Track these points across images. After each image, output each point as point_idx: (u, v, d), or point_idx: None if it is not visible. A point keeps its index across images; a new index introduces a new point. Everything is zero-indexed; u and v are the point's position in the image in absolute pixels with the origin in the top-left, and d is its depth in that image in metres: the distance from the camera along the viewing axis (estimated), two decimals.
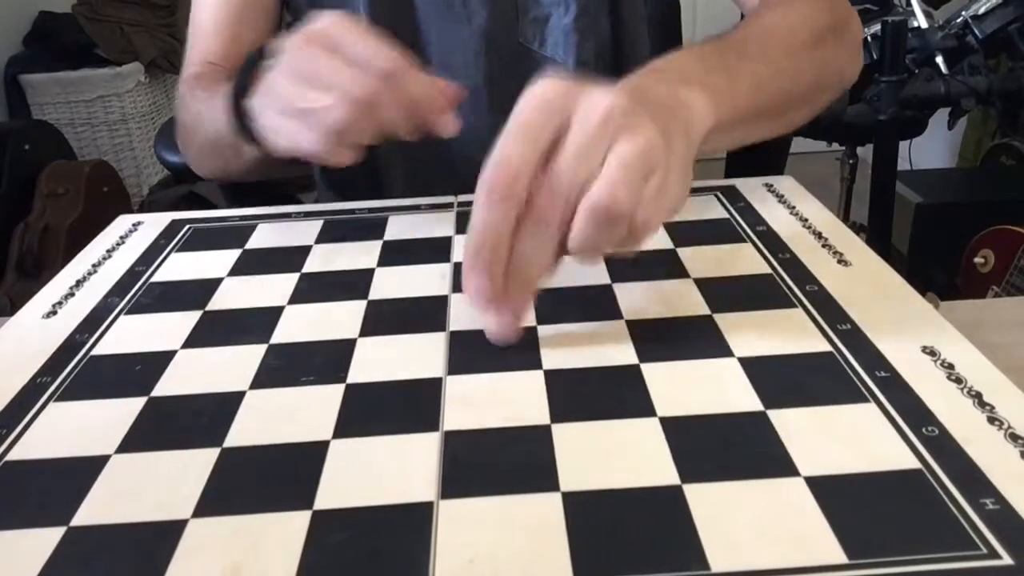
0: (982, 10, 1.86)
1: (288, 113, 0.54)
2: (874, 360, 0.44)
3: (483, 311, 0.45)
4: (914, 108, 1.73)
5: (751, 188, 0.69)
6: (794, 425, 0.39)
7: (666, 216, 0.44)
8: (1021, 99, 2.06)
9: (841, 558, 0.32)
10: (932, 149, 2.76)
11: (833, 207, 1.67)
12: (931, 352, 0.44)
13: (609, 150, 0.42)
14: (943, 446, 0.37)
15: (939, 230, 2.05)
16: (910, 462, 0.37)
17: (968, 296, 1.68)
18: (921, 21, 1.87)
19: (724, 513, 0.34)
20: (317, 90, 0.53)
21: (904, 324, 0.47)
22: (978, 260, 1.69)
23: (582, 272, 0.55)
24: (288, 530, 0.35)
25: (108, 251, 0.65)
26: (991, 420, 0.39)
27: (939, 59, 1.81)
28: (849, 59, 0.71)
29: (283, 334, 0.51)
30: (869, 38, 1.92)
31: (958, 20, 1.87)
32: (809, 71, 0.65)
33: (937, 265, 1.85)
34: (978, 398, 0.40)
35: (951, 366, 0.43)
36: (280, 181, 0.90)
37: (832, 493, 0.35)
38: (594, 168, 0.41)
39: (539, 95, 0.43)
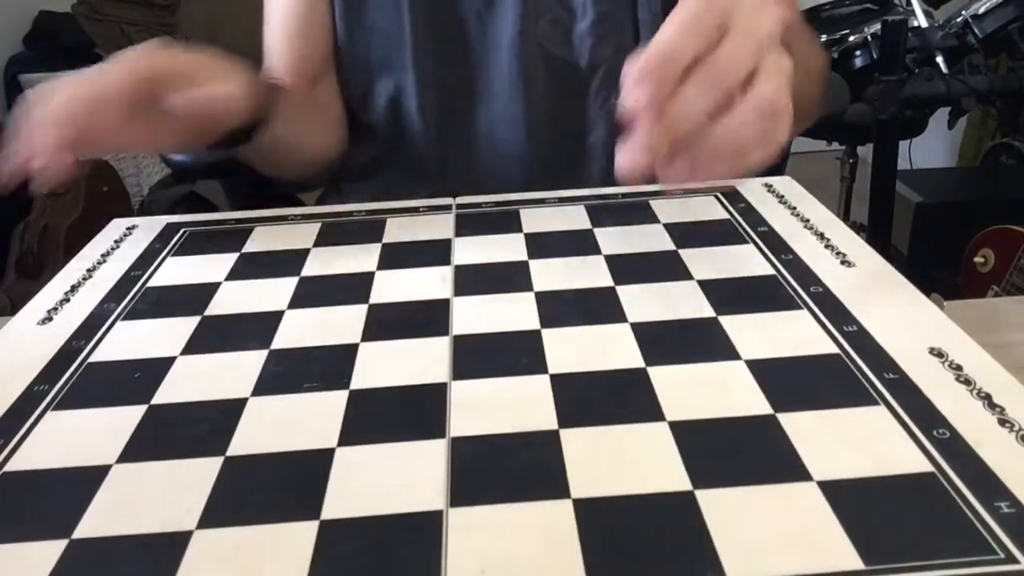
0: (982, 10, 1.86)
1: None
2: (882, 362, 0.44)
3: (637, 123, 0.44)
4: (914, 108, 1.73)
5: (751, 189, 0.69)
6: (804, 428, 0.39)
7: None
8: (1021, 98, 2.07)
9: (857, 564, 0.31)
10: (932, 149, 2.76)
11: (833, 207, 1.67)
12: (939, 353, 0.44)
13: (765, 58, 0.44)
14: (955, 449, 0.37)
15: (939, 230, 2.05)
16: (923, 465, 0.36)
17: (968, 296, 1.68)
18: (921, 21, 1.87)
19: (737, 519, 0.34)
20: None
21: (910, 325, 0.47)
22: (978, 260, 1.69)
23: (584, 274, 0.55)
24: (295, 541, 0.34)
25: (103, 256, 0.64)
26: (1002, 422, 0.39)
27: (939, 59, 1.81)
28: (822, 105, 0.79)
29: (284, 339, 0.50)
30: (869, 37, 1.92)
31: (958, 20, 1.87)
32: (813, 98, 0.72)
33: (937, 265, 1.85)
34: (988, 400, 0.40)
35: (959, 367, 0.43)
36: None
37: (845, 497, 0.35)
38: (752, 68, 0.44)
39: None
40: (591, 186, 0.71)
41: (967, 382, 0.42)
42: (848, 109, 1.56)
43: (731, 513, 0.34)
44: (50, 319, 0.55)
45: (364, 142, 0.90)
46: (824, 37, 2.02)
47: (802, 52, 0.62)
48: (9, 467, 0.40)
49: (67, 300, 0.57)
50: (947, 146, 2.96)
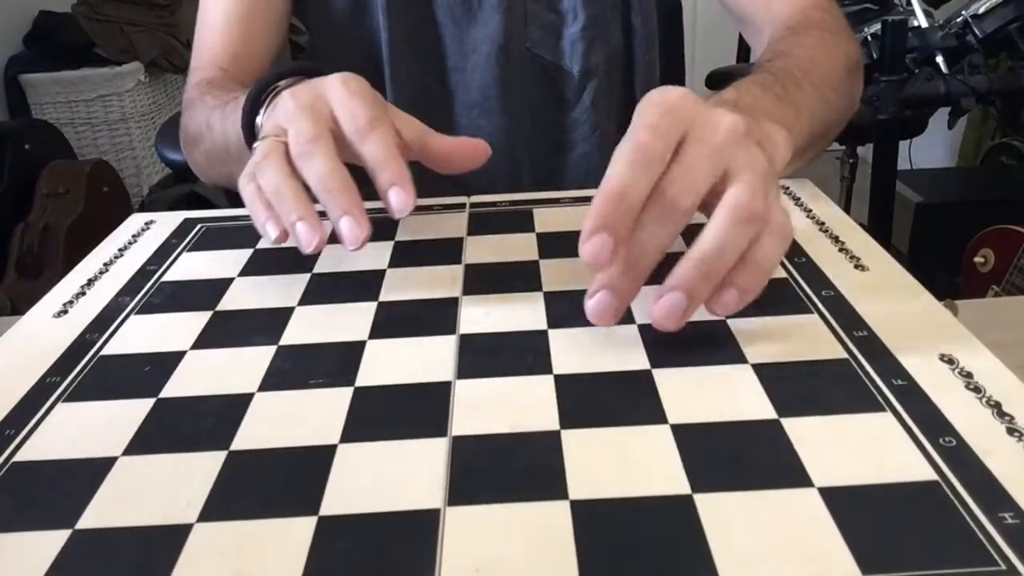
0: (982, 9, 1.86)
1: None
2: (891, 368, 0.43)
3: (596, 269, 0.43)
4: (914, 107, 1.74)
5: None
6: (808, 434, 0.39)
7: (789, 231, 0.44)
8: (1021, 98, 2.07)
9: (855, 572, 0.31)
10: (932, 149, 2.77)
11: None
12: (949, 360, 0.44)
13: (731, 165, 0.43)
14: (961, 457, 0.37)
15: (939, 230, 2.05)
16: (927, 473, 0.36)
17: (968, 296, 1.68)
18: (921, 20, 1.87)
19: (735, 525, 0.34)
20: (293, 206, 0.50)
21: (922, 331, 0.47)
22: (978, 259, 1.70)
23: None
24: (293, 536, 0.34)
25: (120, 250, 0.65)
26: (1010, 431, 0.38)
27: (939, 58, 1.81)
28: (860, 89, 0.76)
29: (293, 335, 0.51)
30: (869, 38, 1.93)
31: (958, 19, 1.87)
32: (844, 101, 0.70)
33: (937, 265, 1.85)
34: (997, 408, 0.40)
35: (969, 375, 0.42)
36: None
37: (846, 505, 0.34)
38: (717, 174, 0.42)
39: (663, 102, 0.43)
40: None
41: (977, 390, 0.41)
42: None
43: (729, 519, 0.34)
44: (65, 312, 0.55)
45: None
46: None
47: (813, 85, 0.62)
48: (18, 457, 0.41)
49: (83, 293, 0.58)
50: (947, 146, 2.96)
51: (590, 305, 0.44)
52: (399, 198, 0.50)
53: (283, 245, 0.51)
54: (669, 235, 0.42)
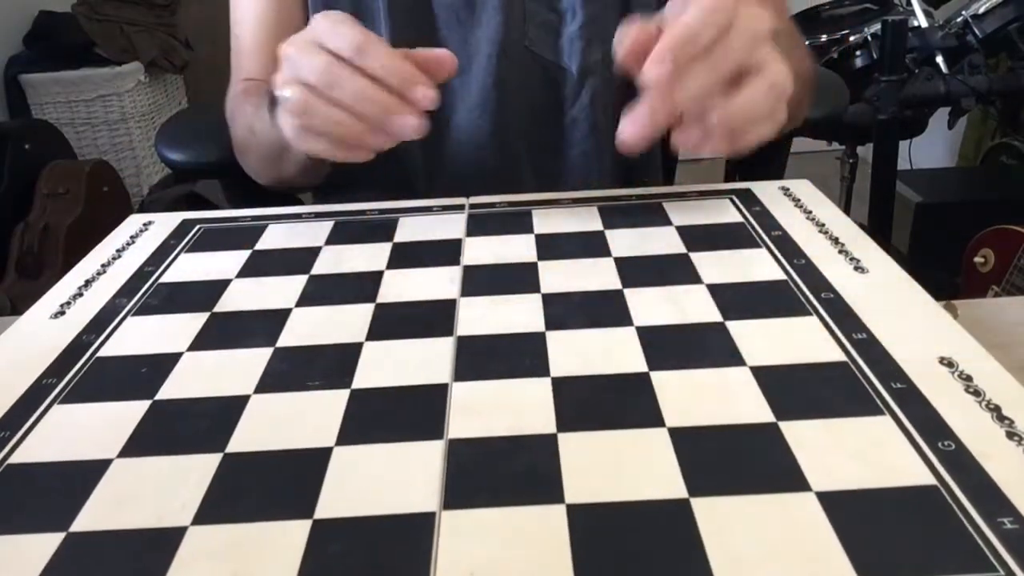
0: (982, 9, 1.86)
1: (302, 125, 0.57)
2: (890, 371, 0.43)
3: (649, 100, 0.49)
4: (914, 108, 1.73)
5: (767, 192, 0.68)
6: (806, 437, 0.39)
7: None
8: (1021, 98, 2.07)
9: None
10: (932, 149, 2.76)
11: None
12: (948, 363, 0.43)
13: (763, 50, 0.50)
14: (959, 461, 0.36)
15: (939, 230, 2.05)
16: (925, 478, 0.36)
17: (968, 296, 1.68)
18: (921, 21, 1.87)
19: (732, 529, 0.33)
20: (326, 112, 0.55)
21: (921, 334, 0.46)
22: (978, 259, 1.69)
23: (592, 276, 0.55)
24: (287, 539, 0.34)
25: (118, 251, 0.65)
26: (1010, 435, 0.38)
27: (939, 58, 1.81)
28: (806, 107, 0.80)
29: (290, 337, 0.50)
30: (869, 38, 1.93)
31: (958, 20, 1.87)
32: (801, 98, 0.73)
33: (937, 265, 1.85)
34: (997, 412, 0.39)
35: (969, 378, 0.42)
36: None
37: (843, 509, 0.34)
38: (750, 58, 0.50)
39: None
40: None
41: (976, 393, 0.41)
42: (848, 109, 1.57)
43: (725, 523, 0.34)
44: (63, 313, 0.55)
45: None
46: (824, 37, 2.02)
47: (789, 56, 0.64)
48: (13, 459, 0.41)
49: (80, 294, 0.58)
50: (947, 146, 2.96)
51: (624, 126, 0.50)
52: (426, 93, 0.55)
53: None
54: (706, 87, 0.49)
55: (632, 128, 0.49)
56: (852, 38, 1.97)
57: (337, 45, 0.55)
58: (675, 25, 0.48)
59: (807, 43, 2.05)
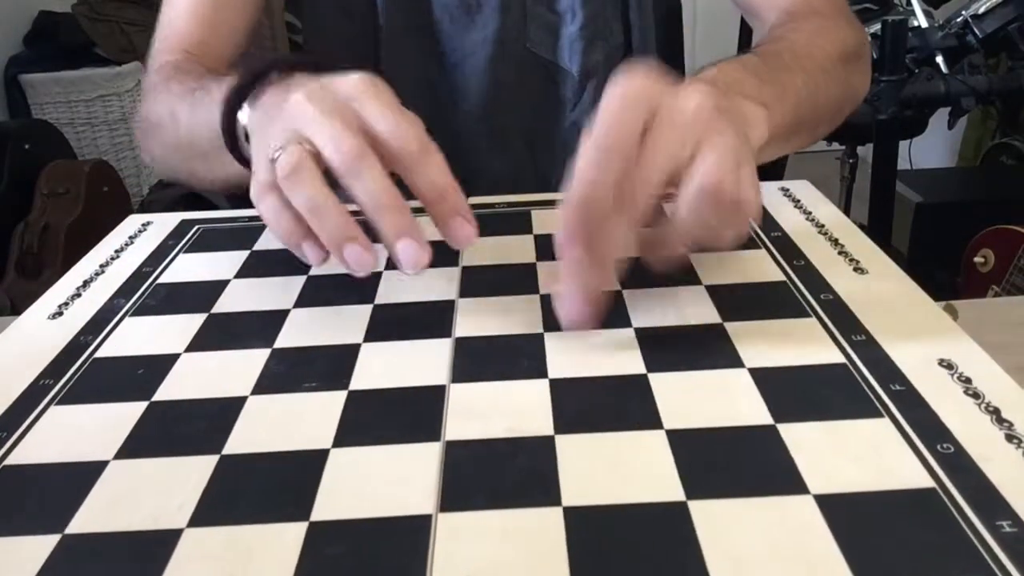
0: (982, 9, 1.86)
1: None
2: (889, 373, 0.43)
3: (571, 282, 0.45)
4: (914, 108, 1.73)
5: (766, 192, 0.68)
6: (804, 440, 0.38)
7: (759, 203, 0.45)
8: (1021, 98, 2.07)
9: None
10: (932, 149, 2.76)
11: None
12: (948, 365, 0.43)
13: (700, 143, 0.43)
14: (958, 464, 0.36)
15: (939, 230, 2.05)
16: (923, 480, 0.36)
17: (968, 296, 1.68)
18: (921, 20, 1.87)
19: (730, 532, 0.33)
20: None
21: (921, 336, 0.46)
22: (978, 260, 1.69)
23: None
24: (283, 542, 0.34)
25: (116, 251, 0.65)
26: (1009, 438, 0.38)
27: (939, 58, 1.81)
28: (865, 79, 0.75)
29: (287, 338, 0.50)
30: (869, 38, 1.92)
31: (958, 19, 1.87)
32: (838, 88, 0.67)
33: (937, 265, 1.85)
34: (996, 414, 0.39)
35: (968, 380, 0.42)
36: None
37: (842, 512, 0.34)
38: (684, 159, 0.43)
39: (625, 90, 0.43)
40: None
41: (975, 395, 0.41)
42: None
43: (723, 526, 0.34)
44: (60, 314, 0.55)
45: None
46: None
47: (803, 68, 0.61)
48: (9, 461, 0.41)
49: (78, 295, 0.58)
50: (947, 146, 2.96)
51: (561, 310, 0.45)
52: (466, 229, 0.47)
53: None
54: (638, 223, 0.43)
55: (566, 312, 0.45)
56: None
57: (380, 132, 0.46)
58: (573, 181, 0.43)
59: None
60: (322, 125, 0.45)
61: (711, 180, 0.42)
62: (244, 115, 0.54)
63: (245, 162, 0.55)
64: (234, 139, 0.55)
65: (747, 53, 0.62)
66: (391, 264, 0.58)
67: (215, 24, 0.78)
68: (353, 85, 0.47)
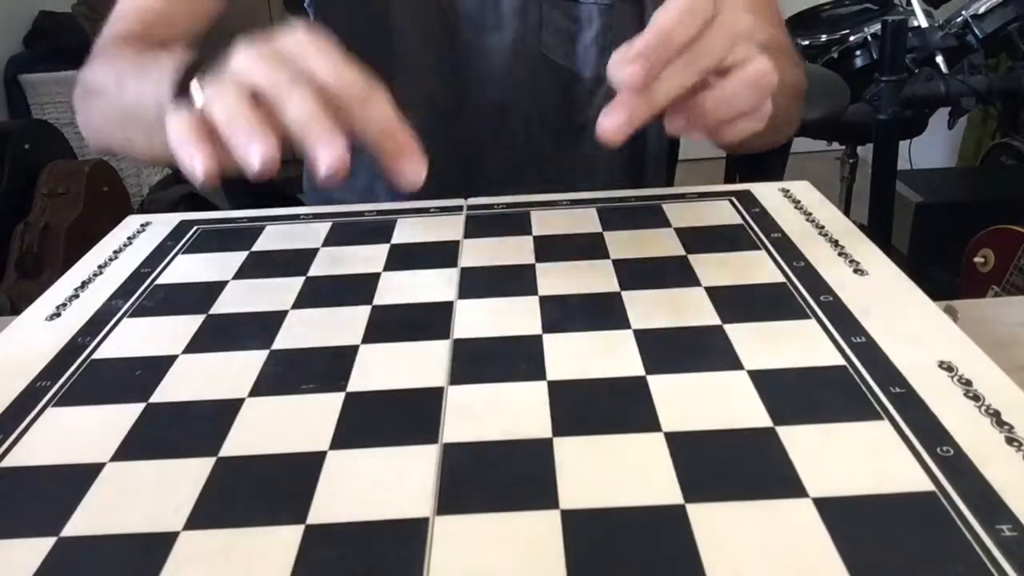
0: (982, 9, 1.86)
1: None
2: (889, 375, 0.43)
3: (620, 96, 0.48)
4: (914, 108, 1.73)
5: (766, 193, 0.68)
6: (803, 443, 0.38)
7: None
8: (1021, 98, 2.07)
9: None
10: (932, 149, 2.76)
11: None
12: (948, 367, 0.43)
13: (747, 51, 0.49)
14: (958, 468, 0.36)
15: (939, 230, 2.05)
16: (923, 484, 0.35)
17: (968, 296, 1.68)
18: (921, 20, 1.87)
19: (728, 535, 0.33)
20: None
21: (921, 337, 0.46)
22: (978, 260, 1.69)
23: (590, 279, 0.55)
24: (280, 544, 0.34)
25: (115, 252, 0.65)
26: (1009, 440, 0.37)
27: (939, 58, 1.81)
28: (799, 117, 0.80)
29: (285, 339, 0.50)
30: (869, 38, 1.92)
31: (958, 19, 1.87)
32: (791, 105, 0.73)
33: (937, 265, 1.85)
34: (996, 417, 0.39)
35: (968, 382, 0.42)
36: (279, 181, 0.89)
37: (841, 516, 0.34)
38: (731, 53, 0.49)
39: None
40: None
41: (976, 398, 0.41)
42: (848, 109, 1.57)
43: (722, 529, 0.33)
44: (58, 315, 0.55)
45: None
46: (824, 37, 2.02)
47: (776, 62, 0.64)
48: (5, 463, 0.41)
49: (76, 296, 0.58)
50: (947, 146, 2.96)
51: (602, 120, 0.47)
52: (415, 167, 0.46)
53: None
54: (684, 84, 0.48)
55: (608, 122, 0.48)
56: (852, 38, 1.97)
57: (322, 75, 0.45)
58: (648, 29, 0.47)
59: (807, 43, 2.05)
60: (256, 64, 0.45)
61: (760, 69, 0.49)
62: (195, 88, 0.51)
63: None
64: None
65: None
66: (390, 265, 0.59)
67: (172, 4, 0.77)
68: (295, 40, 0.46)
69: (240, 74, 0.46)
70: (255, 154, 0.43)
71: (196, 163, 0.45)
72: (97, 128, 0.74)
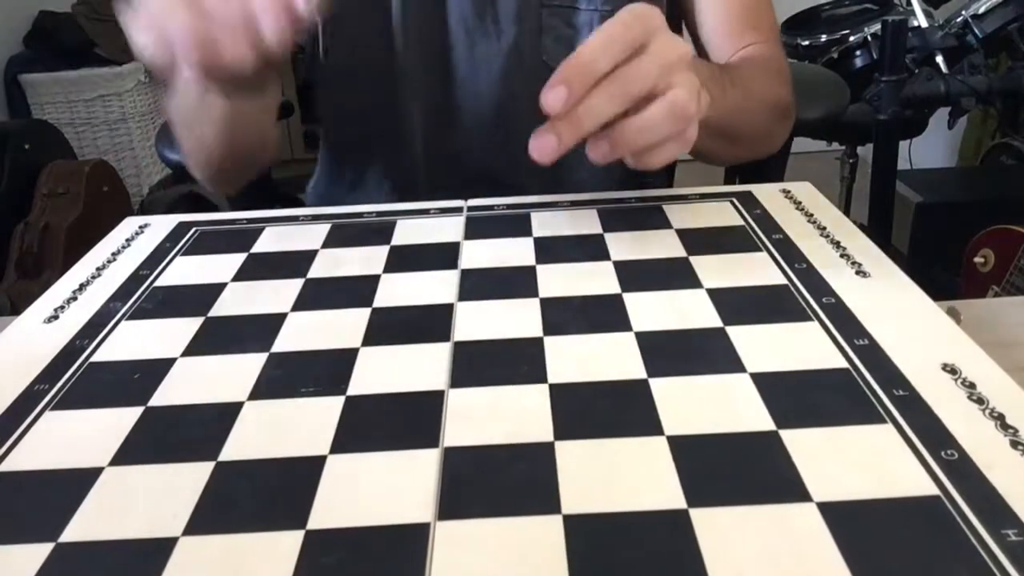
0: (982, 9, 1.86)
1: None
2: (892, 378, 0.43)
3: (549, 118, 0.50)
4: (914, 107, 1.73)
5: (768, 195, 0.67)
6: (807, 446, 0.38)
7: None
8: (1021, 98, 2.07)
9: None
10: (932, 149, 2.76)
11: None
12: (952, 370, 0.43)
13: (676, 76, 0.51)
14: (963, 471, 0.36)
15: (939, 230, 2.05)
16: (927, 488, 0.35)
17: (968, 296, 1.67)
18: (921, 20, 1.87)
19: (731, 540, 0.33)
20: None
21: (924, 340, 0.46)
22: (978, 260, 1.69)
23: (591, 280, 0.55)
24: (280, 550, 0.34)
25: (113, 254, 0.64)
26: (1014, 444, 0.37)
27: (939, 58, 1.81)
28: (784, 133, 0.83)
29: (285, 342, 0.50)
30: (869, 37, 1.92)
31: (958, 19, 1.87)
32: (761, 125, 0.76)
33: (937, 265, 1.85)
34: (1000, 420, 0.39)
35: (972, 385, 0.42)
36: (279, 181, 0.89)
37: (844, 520, 0.34)
38: (661, 84, 0.50)
39: (635, 9, 0.51)
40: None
41: (980, 401, 0.40)
42: (848, 109, 1.57)
43: (725, 534, 0.33)
44: (56, 317, 0.55)
45: (343, 161, 0.89)
46: (824, 37, 2.02)
47: (726, 89, 0.67)
48: (2, 468, 0.40)
49: (75, 298, 0.57)
50: (947, 146, 2.95)
51: (533, 142, 0.50)
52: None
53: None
54: (611, 110, 0.49)
55: (537, 143, 0.50)
56: (852, 38, 1.96)
57: None
58: (577, 50, 0.49)
59: (807, 43, 2.05)
60: None
61: (681, 99, 0.50)
62: None
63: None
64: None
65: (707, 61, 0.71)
66: (390, 267, 0.58)
67: None
68: None
69: None
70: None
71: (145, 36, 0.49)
72: (190, 152, 0.78)
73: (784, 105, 0.79)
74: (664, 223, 0.63)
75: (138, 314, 0.55)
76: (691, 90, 0.51)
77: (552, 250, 0.60)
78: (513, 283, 0.55)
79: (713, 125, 0.61)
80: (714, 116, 0.59)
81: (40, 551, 0.35)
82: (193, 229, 0.68)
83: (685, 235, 0.61)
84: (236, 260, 0.62)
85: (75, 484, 0.39)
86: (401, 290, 0.55)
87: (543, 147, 0.50)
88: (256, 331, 0.51)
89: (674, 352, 0.46)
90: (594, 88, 0.49)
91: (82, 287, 0.59)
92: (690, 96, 0.51)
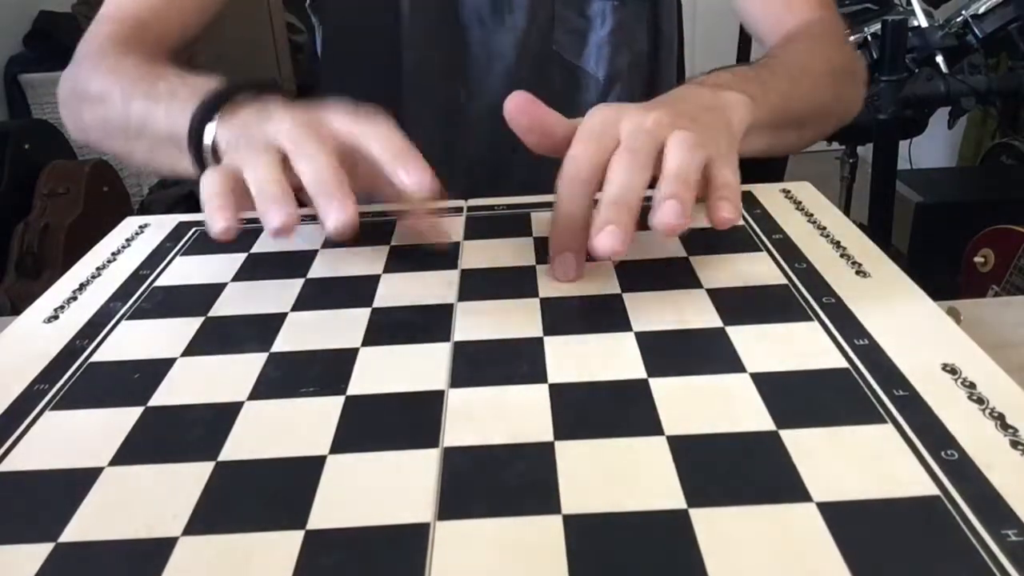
0: (982, 9, 1.86)
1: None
2: (892, 378, 0.43)
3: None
4: (914, 107, 1.73)
5: (768, 194, 0.67)
6: (807, 446, 0.38)
7: (734, 179, 0.53)
8: (1021, 98, 2.07)
9: None
10: (932, 149, 2.76)
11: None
12: (952, 370, 0.43)
13: (665, 143, 0.50)
14: (963, 471, 0.36)
15: (939, 230, 2.05)
16: (927, 488, 0.35)
17: (968, 296, 1.67)
18: (921, 20, 1.87)
19: (731, 540, 0.33)
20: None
21: (924, 340, 0.46)
22: (978, 259, 1.69)
23: (592, 282, 0.54)
24: (279, 550, 0.34)
25: (113, 254, 0.64)
26: (1014, 444, 0.37)
27: (939, 58, 1.81)
28: (855, 92, 0.82)
29: (284, 342, 0.50)
30: (869, 37, 1.92)
31: (958, 19, 1.87)
32: (824, 97, 0.75)
33: (937, 265, 1.85)
34: (1001, 420, 0.39)
35: (972, 385, 0.42)
36: None
37: (844, 520, 0.33)
38: (651, 164, 0.50)
39: (590, 122, 0.52)
40: None
41: (980, 401, 0.40)
42: None
43: (725, 534, 0.33)
44: (56, 317, 0.55)
45: None
46: None
47: (789, 76, 0.67)
48: (2, 467, 0.40)
49: (74, 298, 0.57)
50: (947, 146, 2.96)
51: (597, 241, 0.48)
52: (420, 177, 0.52)
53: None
54: (638, 189, 0.50)
55: (601, 244, 0.48)
56: (852, 38, 1.96)
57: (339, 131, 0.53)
58: (554, 205, 0.52)
59: None
60: (292, 132, 0.52)
61: (671, 168, 0.49)
62: (212, 129, 0.58)
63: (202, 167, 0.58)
64: (199, 151, 0.58)
65: (738, 67, 0.70)
66: (389, 267, 0.58)
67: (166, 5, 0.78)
68: (334, 111, 0.54)
69: (272, 138, 0.52)
70: (275, 219, 0.49)
71: (217, 220, 0.49)
72: (93, 131, 0.74)
73: (843, 66, 0.77)
74: None
75: (138, 314, 0.55)
76: (680, 147, 0.50)
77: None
78: (513, 283, 0.55)
79: (768, 121, 0.60)
80: (763, 113, 0.59)
81: (40, 551, 0.35)
82: (193, 229, 0.68)
83: (685, 234, 0.61)
84: (236, 260, 0.62)
85: (75, 484, 0.38)
86: (401, 290, 0.55)
87: (609, 249, 0.48)
88: (256, 331, 0.51)
89: (674, 352, 0.46)
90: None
91: (82, 287, 0.59)
92: (680, 157, 0.50)
